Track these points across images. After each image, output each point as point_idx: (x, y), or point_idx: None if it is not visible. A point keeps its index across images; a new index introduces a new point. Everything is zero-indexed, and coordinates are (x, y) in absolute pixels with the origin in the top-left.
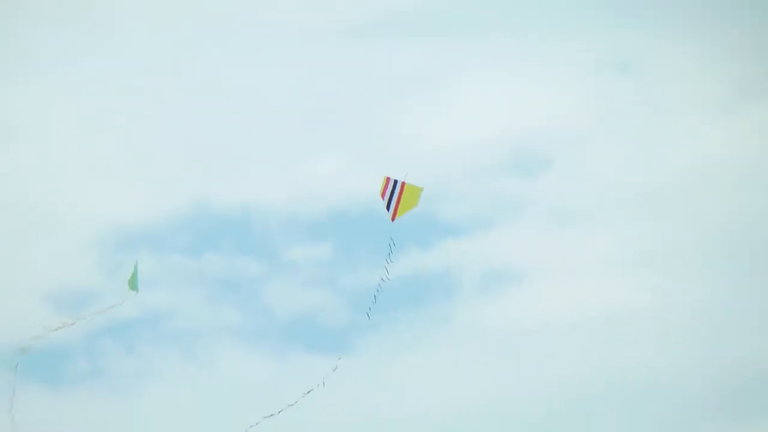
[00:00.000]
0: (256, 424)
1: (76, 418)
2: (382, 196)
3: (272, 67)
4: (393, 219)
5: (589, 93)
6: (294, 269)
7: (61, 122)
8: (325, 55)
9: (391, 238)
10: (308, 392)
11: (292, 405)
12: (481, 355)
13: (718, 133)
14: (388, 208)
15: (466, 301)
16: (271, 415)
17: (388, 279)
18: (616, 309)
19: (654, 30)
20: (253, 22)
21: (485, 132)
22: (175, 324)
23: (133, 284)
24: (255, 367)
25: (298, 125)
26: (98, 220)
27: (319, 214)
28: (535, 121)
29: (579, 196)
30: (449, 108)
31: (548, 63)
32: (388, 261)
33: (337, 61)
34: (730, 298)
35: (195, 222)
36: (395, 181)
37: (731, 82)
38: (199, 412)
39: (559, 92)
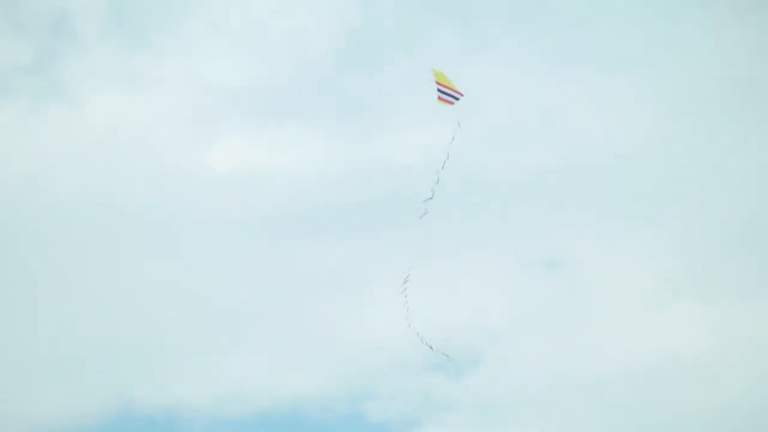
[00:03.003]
0: None
1: None
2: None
3: (194, 262)
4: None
5: (517, 290)
6: None
7: None
8: (247, 251)
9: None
10: None
11: None
12: None
13: (645, 330)
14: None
15: None
16: None
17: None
18: None
19: (581, 229)
20: (176, 216)
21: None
22: None
23: None
24: None
25: (222, 322)
26: (21, 426)
27: (247, 416)
28: (463, 320)
29: (506, 394)
30: (376, 305)
31: (475, 260)
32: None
33: (258, 257)
34: None
35: (120, 425)
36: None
37: (657, 280)
38: None
39: (486, 289)
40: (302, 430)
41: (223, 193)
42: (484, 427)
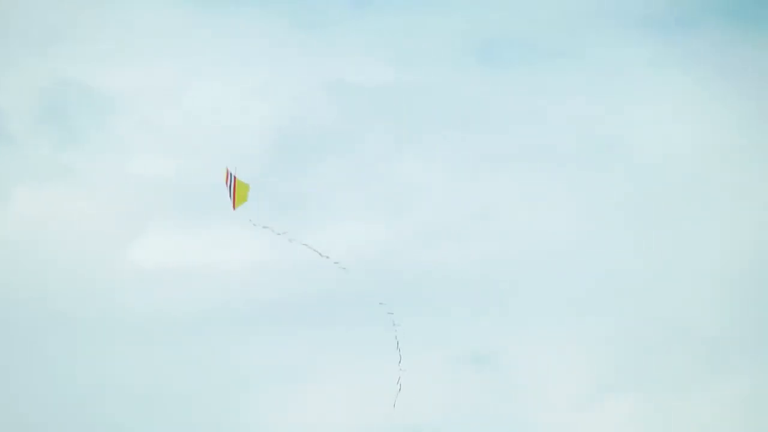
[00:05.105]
0: None
1: None
2: (226, 182)
3: (124, 359)
4: (234, 208)
5: (445, 386)
6: None
7: None
8: (178, 348)
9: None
10: None
11: None
12: None
13: (576, 426)
14: (230, 196)
15: None
16: None
17: None
18: None
19: (511, 325)
20: (103, 313)
21: (343, 424)
22: None
23: None
24: None
25: (154, 421)
26: None
27: None
28: (389, 417)
29: None
30: (305, 399)
31: (405, 356)
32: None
33: (189, 354)
34: None
35: None
36: (231, 174)
37: (588, 375)
38: None
39: (414, 385)
40: None
41: (151, 289)
42: None
